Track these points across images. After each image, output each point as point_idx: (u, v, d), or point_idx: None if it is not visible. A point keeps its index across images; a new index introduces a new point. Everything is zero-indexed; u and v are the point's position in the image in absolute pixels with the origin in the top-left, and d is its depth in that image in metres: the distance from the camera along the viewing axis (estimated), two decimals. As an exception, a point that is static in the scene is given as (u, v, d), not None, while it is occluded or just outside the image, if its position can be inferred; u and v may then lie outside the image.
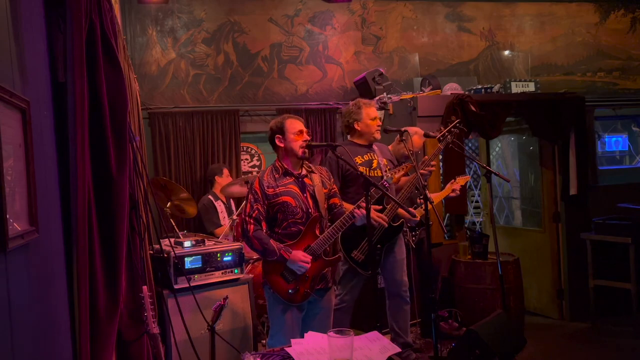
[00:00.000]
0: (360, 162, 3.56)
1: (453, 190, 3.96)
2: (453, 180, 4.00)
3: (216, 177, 4.87)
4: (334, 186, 3.14)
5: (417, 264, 4.02)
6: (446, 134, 3.59)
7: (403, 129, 4.05)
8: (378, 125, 3.64)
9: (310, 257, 2.83)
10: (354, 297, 3.65)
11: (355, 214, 2.83)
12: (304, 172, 2.96)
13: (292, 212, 2.87)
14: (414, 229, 3.95)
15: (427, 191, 3.21)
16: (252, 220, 2.84)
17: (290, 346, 1.94)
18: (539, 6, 6.08)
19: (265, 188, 2.87)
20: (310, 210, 2.90)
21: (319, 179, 2.99)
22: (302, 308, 2.92)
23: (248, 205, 2.88)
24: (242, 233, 2.92)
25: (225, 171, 4.89)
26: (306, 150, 2.90)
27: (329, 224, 3.02)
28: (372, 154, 3.64)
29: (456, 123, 3.63)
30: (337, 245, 3.63)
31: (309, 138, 2.93)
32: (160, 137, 4.99)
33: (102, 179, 1.96)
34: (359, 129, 3.64)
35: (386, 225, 3.31)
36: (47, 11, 1.81)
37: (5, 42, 1.35)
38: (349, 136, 3.79)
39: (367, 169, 3.56)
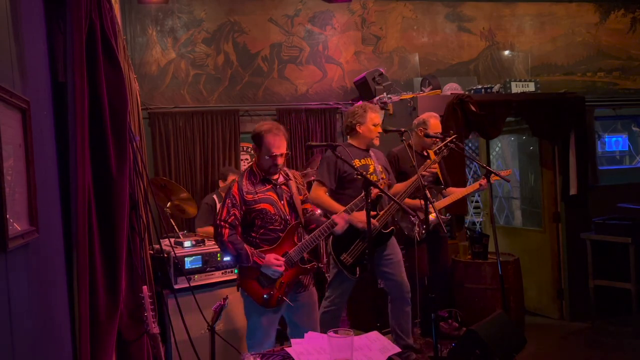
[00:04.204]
0: (357, 165, 3.56)
1: (480, 185, 3.96)
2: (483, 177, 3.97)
3: (220, 182, 4.85)
4: (306, 192, 3.14)
5: (429, 261, 4.00)
6: (443, 147, 3.60)
7: (425, 115, 4.07)
8: (379, 132, 3.64)
9: (283, 260, 2.82)
10: (344, 300, 3.65)
11: (333, 225, 2.85)
12: (281, 179, 2.96)
13: (270, 220, 2.86)
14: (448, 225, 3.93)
15: (427, 191, 3.21)
16: (227, 225, 2.80)
17: (290, 346, 1.94)
18: (539, 6, 6.08)
19: (245, 194, 2.84)
20: (287, 218, 2.89)
21: (295, 186, 2.99)
22: (278, 310, 2.92)
23: (225, 210, 2.83)
24: (214, 236, 2.87)
25: (231, 177, 4.84)
26: (277, 170, 2.88)
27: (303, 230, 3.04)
28: (369, 158, 3.64)
29: (452, 138, 3.63)
30: (319, 249, 3.62)
31: (280, 163, 2.87)
32: (160, 137, 4.99)
33: (102, 179, 1.96)
34: (360, 131, 3.64)
35: (378, 226, 3.33)
36: (47, 11, 1.81)
37: (5, 42, 1.35)
38: (348, 137, 3.79)
39: (365, 172, 3.56)
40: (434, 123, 4.02)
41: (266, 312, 2.88)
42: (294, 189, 2.97)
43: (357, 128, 3.64)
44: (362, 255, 3.49)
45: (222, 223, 2.80)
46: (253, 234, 2.89)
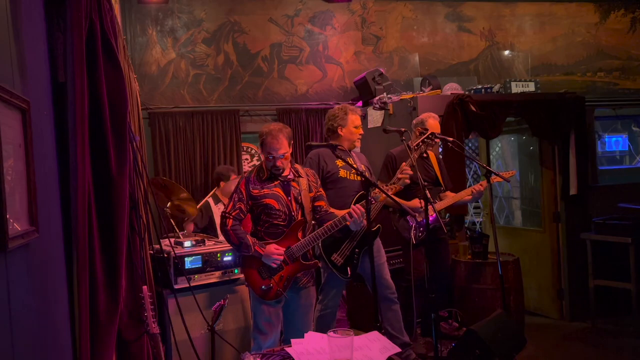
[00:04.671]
0: (341, 165, 3.56)
1: (472, 193, 3.96)
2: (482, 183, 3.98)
3: (221, 183, 4.82)
4: (321, 189, 3.16)
5: (429, 262, 3.99)
6: (420, 143, 3.60)
7: (424, 115, 4.07)
8: (360, 134, 3.64)
9: (283, 250, 2.88)
10: (337, 303, 3.65)
11: (350, 216, 2.85)
12: (290, 175, 2.99)
13: (275, 215, 2.93)
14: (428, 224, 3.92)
15: (427, 191, 3.21)
16: (231, 217, 2.91)
17: (290, 345, 1.94)
18: (539, 6, 6.08)
19: (251, 189, 2.94)
20: (293, 214, 2.94)
21: (305, 184, 3.02)
22: (279, 301, 2.97)
23: (231, 204, 2.94)
24: (220, 227, 3.00)
25: (233, 177, 4.81)
26: (279, 171, 2.93)
27: (312, 228, 3.05)
28: (351, 159, 3.64)
29: (428, 134, 3.62)
30: (316, 249, 3.62)
31: (279, 165, 2.92)
32: (160, 137, 4.99)
33: (102, 179, 1.96)
34: (342, 134, 3.64)
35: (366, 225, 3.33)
36: (47, 11, 1.81)
37: (5, 42, 1.35)
38: (330, 139, 3.76)
39: (348, 172, 3.57)
40: (433, 123, 4.02)
41: (267, 303, 2.93)
42: (304, 186, 3.00)
43: (339, 131, 3.64)
44: (352, 255, 3.51)
45: (227, 215, 2.92)
46: (259, 228, 2.98)
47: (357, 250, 3.53)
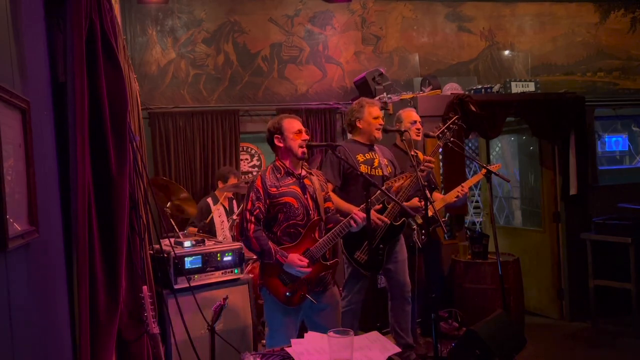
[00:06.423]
0: (362, 160, 3.57)
1: (457, 196, 3.96)
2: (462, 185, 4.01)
3: (219, 183, 4.83)
4: (329, 190, 3.14)
5: (425, 264, 3.99)
6: (445, 130, 3.58)
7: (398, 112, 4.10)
8: (380, 124, 3.64)
9: (307, 261, 2.81)
10: (360, 299, 3.64)
11: (351, 223, 2.82)
12: (304, 172, 2.96)
13: (294, 214, 2.85)
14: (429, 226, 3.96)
15: (427, 191, 3.21)
16: (253, 219, 2.82)
17: (290, 346, 1.94)
18: (539, 6, 6.08)
19: (268, 187, 2.85)
20: (310, 212, 2.89)
21: (317, 182, 2.99)
22: (299, 310, 2.91)
23: (249, 202, 2.85)
24: (240, 231, 2.89)
25: (232, 180, 4.81)
26: (305, 150, 2.90)
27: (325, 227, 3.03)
28: (373, 153, 3.65)
29: (455, 120, 3.61)
30: (338, 247, 3.62)
31: (307, 137, 2.92)
32: (160, 137, 4.99)
33: (102, 179, 1.96)
34: (360, 126, 3.66)
35: (388, 222, 3.32)
36: (47, 11, 1.81)
37: (5, 42, 1.35)
38: (350, 134, 3.80)
39: (369, 167, 3.57)
40: (404, 115, 4.04)
41: (288, 312, 2.86)
42: (317, 185, 2.97)
43: (357, 124, 3.67)
44: (377, 251, 3.49)
45: (249, 215, 2.82)
46: (274, 229, 2.89)
47: (381, 246, 3.52)
